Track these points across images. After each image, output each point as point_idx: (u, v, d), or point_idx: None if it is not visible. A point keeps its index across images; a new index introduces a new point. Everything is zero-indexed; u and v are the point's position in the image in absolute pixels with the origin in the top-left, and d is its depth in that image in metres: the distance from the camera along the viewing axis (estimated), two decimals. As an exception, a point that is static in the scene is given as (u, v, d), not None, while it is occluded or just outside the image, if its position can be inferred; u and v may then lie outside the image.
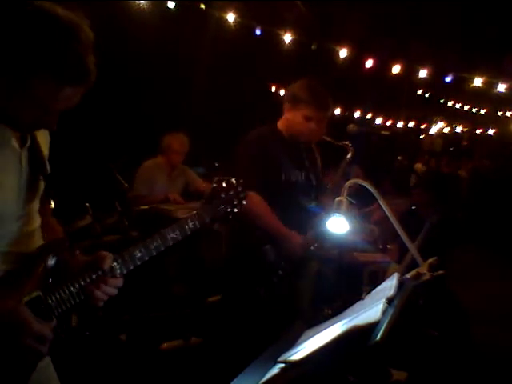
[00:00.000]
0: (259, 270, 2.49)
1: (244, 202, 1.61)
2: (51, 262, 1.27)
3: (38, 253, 1.28)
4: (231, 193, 1.58)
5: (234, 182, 1.60)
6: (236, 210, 1.59)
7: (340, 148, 2.85)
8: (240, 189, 1.60)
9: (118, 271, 1.31)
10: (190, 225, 1.45)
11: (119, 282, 1.32)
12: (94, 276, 1.26)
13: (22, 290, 1.20)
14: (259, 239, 2.48)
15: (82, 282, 1.25)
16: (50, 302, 1.22)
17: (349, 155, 2.83)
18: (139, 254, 1.34)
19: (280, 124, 2.71)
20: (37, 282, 1.22)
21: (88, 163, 4.61)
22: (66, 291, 1.24)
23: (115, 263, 1.30)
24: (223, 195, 1.56)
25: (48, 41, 1.10)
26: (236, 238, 2.67)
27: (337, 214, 2.04)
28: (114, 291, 1.31)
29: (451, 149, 12.94)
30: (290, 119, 2.64)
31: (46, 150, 1.39)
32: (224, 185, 1.57)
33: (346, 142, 2.83)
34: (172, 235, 1.41)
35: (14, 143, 1.24)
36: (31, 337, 1.15)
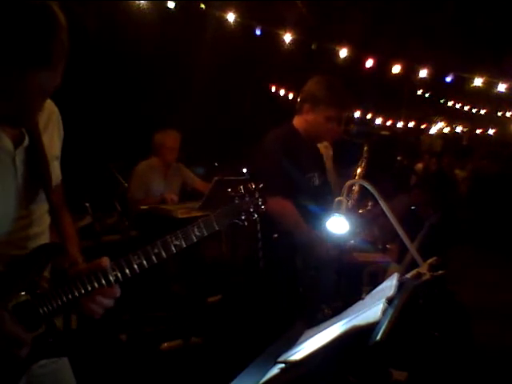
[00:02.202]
0: (287, 280, 2.43)
1: (263, 208, 1.48)
2: (44, 266, 1.25)
3: (31, 256, 1.25)
4: (247, 198, 1.45)
5: (253, 186, 1.47)
6: (253, 217, 1.46)
7: (353, 145, 2.85)
8: (258, 195, 1.47)
9: (113, 279, 1.25)
10: (197, 232, 1.34)
11: (116, 291, 1.27)
12: (89, 288, 1.22)
13: (12, 293, 1.18)
14: (288, 247, 2.43)
15: (77, 294, 1.22)
16: (40, 308, 1.19)
17: (365, 148, 2.80)
18: (138, 262, 1.26)
19: (297, 124, 2.65)
20: (27, 285, 1.20)
21: (88, 163, 4.61)
22: (59, 300, 1.21)
23: (110, 270, 1.25)
24: (237, 201, 1.44)
25: (7, 24, 1.01)
26: (267, 246, 2.55)
27: (337, 214, 2.04)
28: (111, 303, 1.27)
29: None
30: (311, 120, 2.58)
31: (55, 150, 1.37)
32: (241, 189, 1.44)
33: (361, 140, 2.83)
34: (176, 242, 1.31)
35: (6, 144, 1.21)
36: (5, 339, 1.13)
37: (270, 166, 2.42)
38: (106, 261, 1.25)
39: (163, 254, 1.29)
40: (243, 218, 1.45)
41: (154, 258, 1.28)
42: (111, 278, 1.24)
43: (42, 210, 1.33)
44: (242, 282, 2.67)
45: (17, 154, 1.23)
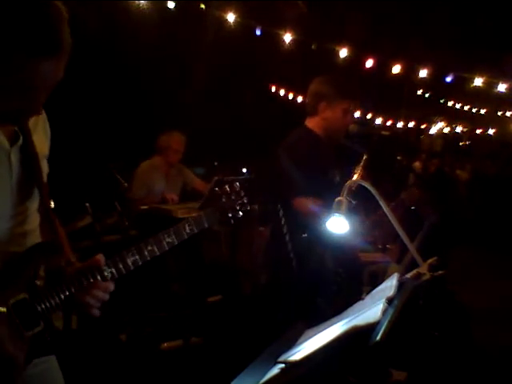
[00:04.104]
0: (319, 279, 2.49)
1: (248, 207, 1.55)
2: (40, 264, 1.26)
3: (26, 254, 1.26)
4: (233, 197, 1.52)
5: (238, 185, 1.54)
6: (238, 216, 1.53)
7: (353, 152, 2.87)
8: (243, 193, 1.55)
9: (109, 276, 1.27)
10: (187, 229, 1.40)
11: (110, 286, 1.29)
12: (84, 283, 1.24)
13: (9, 291, 1.19)
14: (317, 245, 2.48)
15: (73, 290, 1.24)
16: (38, 306, 1.20)
17: (364, 157, 2.82)
18: (132, 259, 1.30)
19: (313, 125, 2.70)
20: (24, 284, 1.21)
21: (88, 163, 4.61)
22: (56, 298, 1.22)
23: (105, 267, 1.27)
24: (224, 199, 1.51)
25: (15, 13, 1.03)
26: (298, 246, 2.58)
27: (337, 214, 2.04)
28: (105, 296, 1.28)
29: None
30: (329, 117, 2.66)
31: (44, 149, 1.38)
32: (227, 188, 1.52)
33: (362, 149, 2.85)
34: (168, 240, 1.36)
35: (2, 141, 1.23)
36: (2, 360, 1.14)
37: (288, 170, 2.50)
38: (100, 258, 1.28)
39: (156, 250, 1.34)
40: (230, 215, 1.52)
41: (147, 254, 1.32)
42: (107, 274, 1.27)
43: (32, 207, 1.36)
44: (270, 282, 2.72)
45: (12, 151, 1.25)
